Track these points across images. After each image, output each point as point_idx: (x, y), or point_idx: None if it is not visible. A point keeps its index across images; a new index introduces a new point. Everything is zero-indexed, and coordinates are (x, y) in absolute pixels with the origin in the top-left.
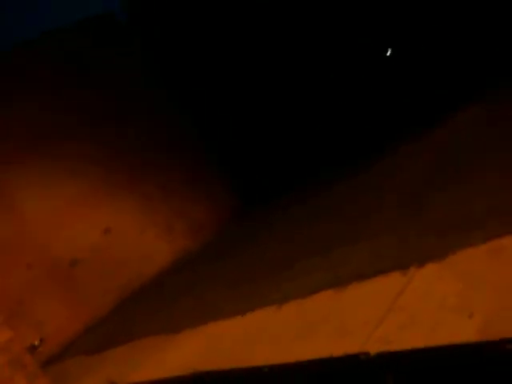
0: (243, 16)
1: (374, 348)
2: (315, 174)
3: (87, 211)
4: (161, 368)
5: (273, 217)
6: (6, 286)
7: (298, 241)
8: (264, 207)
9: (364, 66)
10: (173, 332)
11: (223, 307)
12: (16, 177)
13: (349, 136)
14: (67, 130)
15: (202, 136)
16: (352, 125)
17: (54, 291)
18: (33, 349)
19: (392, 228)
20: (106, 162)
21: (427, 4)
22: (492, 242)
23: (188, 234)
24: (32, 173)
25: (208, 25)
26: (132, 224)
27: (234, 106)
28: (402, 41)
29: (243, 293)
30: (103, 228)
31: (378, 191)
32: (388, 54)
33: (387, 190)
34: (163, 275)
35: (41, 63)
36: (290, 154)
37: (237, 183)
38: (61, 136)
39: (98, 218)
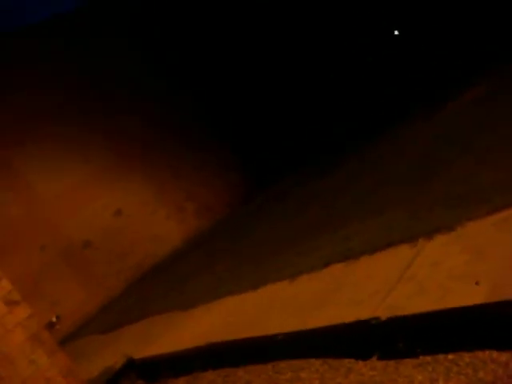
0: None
1: (384, 314)
2: (323, 155)
3: (98, 193)
4: (177, 341)
5: (280, 198)
6: (21, 266)
7: (308, 218)
8: (273, 188)
9: (367, 49)
10: (187, 308)
11: (236, 283)
12: (30, 159)
13: (360, 113)
14: (81, 114)
15: (212, 121)
16: (360, 103)
17: (68, 272)
18: (50, 326)
19: (400, 202)
20: (117, 145)
21: None
22: (498, 214)
23: (198, 215)
24: (46, 155)
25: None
26: (143, 205)
27: (242, 94)
28: (403, 24)
29: (256, 269)
30: (115, 209)
31: (385, 168)
32: (395, 33)
33: (394, 167)
34: (175, 255)
35: (47, 49)
36: (299, 136)
37: (246, 165)
38: (73, 121)
39: (109, 199)
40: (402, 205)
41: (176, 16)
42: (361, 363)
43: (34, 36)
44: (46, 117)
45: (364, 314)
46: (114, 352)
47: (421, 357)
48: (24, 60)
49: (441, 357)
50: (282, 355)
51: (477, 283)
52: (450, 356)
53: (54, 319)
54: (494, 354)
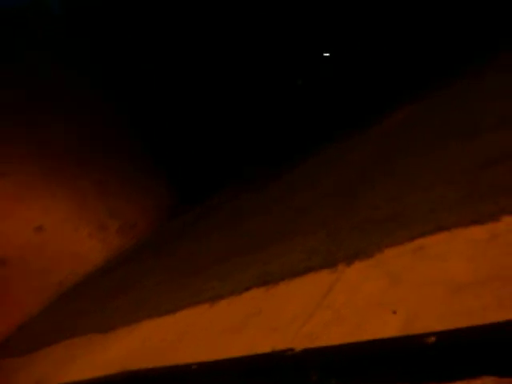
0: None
1: (300, 344)
2: (250, 171)
3: (18, 209)
4: (90, 367)
5: (206, 215)
6: None
7: (233, 238)
8: (198, 206)
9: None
10: (105, 331)
11: (156, 305)
12: None
13: (284, 131)
14: (2, 125)
15: (138, 135)
16: (288, 119)
17: None
18: None
19: (324, 224)
20: (40, 159)
21: None
22: (416, 241)
23: (122, 233)
24: None
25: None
26: (65, 222)
27: (168, 106)
28: (333, 45)
29: (176, 290)
30: (35, 226)
31: (314, 187)
32: (325, 55)
33: (324, 186)
34: (96, 274)
35: None
36: (223, 153)
37: (171, 182)
38: None
39: (30, 215)
40: (324, 227)
41: (107, 22)
42: None
43: None
44: None
45: (281, 342)
46: (27, 377)
47: None
48: None
49: None
50: None
51: (394, 312)
52: None
53: None
54: None
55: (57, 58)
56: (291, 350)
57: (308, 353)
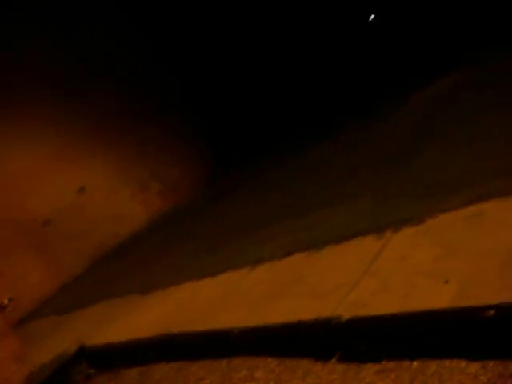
0: None
1: (347, 312)
2: (291, 138)
3: (61, 171)
4: (132, 328)
5: (248, 179)
6: None
7: (274, 203)
8: (239, 170)
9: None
10: (145, 292)
11: (195, 268)
12: None
13: (326, 100)
14: (41, 91)
15: (178, 99)
16: (329, 88)
17: (27, 250)
18: (2, 308)
19: (370, 190)
20: (81, 123)
21: None
22: (470, 207)
23: (162, 195)
24: (6, 129)
25: None
26: (107, 184)
27: (210, 71)
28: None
29: (217, 254)
30: (77, 188)
31: (354, 155)
32: (370, 19)
33: (364, 154)
34: (137, 235)
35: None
36: (265, 118)
37: (212, 148)
38: (34, 97)
39: (72, 177)
40: (371, 193)
41: None
42: (319, 365)
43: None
44: (20, 90)
45: (325, 310)
46: (68, 336)
47: (384, 362)
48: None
49: (405, 364)
50: (237, 351)
51: (446, 282)
52: (415, 363)
53: (5, 301)
54: (463, 363)
55: (108, 32)
56: (338, 317)
57: (356, 322)
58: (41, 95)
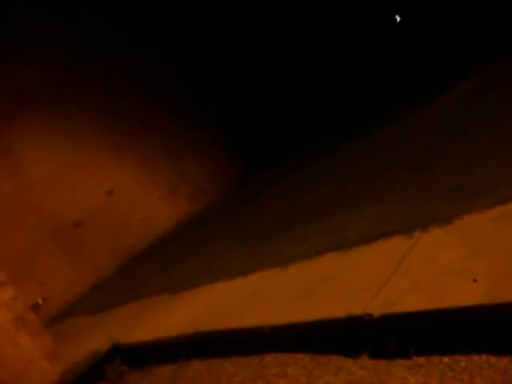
0: None
1: (377, 310)
2: (318, 140)
3: (91, 172)
4: (164, 327)
5: (276, 181)
6: (10, 245)
7: (303, 205)
8: (268, 172)
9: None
10: (176, 292)
11: (227, 269)
12: (23, 136)
13: (353, 102)
14: (70, 91)
15: (207, 101)
16: (356, 92)
17: (58, 252)
18: (36, 307)
19: (396, 192)
20: (109, 124)
21: None
22: (498, 208)
23: (191, 198)
24: (39, 132)
25: None
26: (135, 186)
27: (239, 72)
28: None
29: (247, 254)
30: (107, 189)
31: (382, 156)
32: (397, 19)
33: (391, 155)
34: (166, 237)
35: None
36: (292, 120)
37: (240, 150)
38: (64, 98)
39: (101, 179)
40: (399, 194)
41: None
42: (351, 361)
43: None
44: (41, 94)
45: (356, 308)
46: (101, 335)
47: (414, 358)
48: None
49: (435, 359)
50: (269, 348)
51: (474, 280)
52: (445, 359)
53: (39, 301)
54: (492, 358)
55: (127, 34)
56: (369, 315)
57: (387, 319)
58: (68, 100)
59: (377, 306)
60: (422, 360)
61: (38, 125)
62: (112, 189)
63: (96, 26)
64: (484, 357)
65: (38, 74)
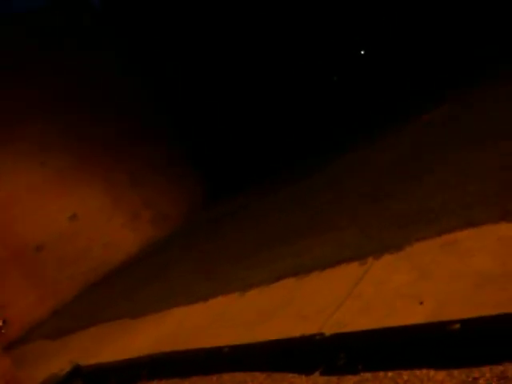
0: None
1: (330, 330)
2: (281, 168)
3: (54, 197)
4: (125, 350)
5: (238, 208)
6: None
7: (263, 231)
8: (228, 201)
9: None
10: (137, 316)
11: (186, 294)
12: None
13: (314, 131)
14: (38, 117)
15: (173, 129)
16: (317, 121)
17: (20, 275)
18: None
19: (355, 219)
20: (77, 149)
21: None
22: (445, 236)
23: (155, 223)
24: (2, 156)
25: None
26: (99, 211)
27: (206, 99)
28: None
29: (207, 280)
30: (70, 214)
31: (341, 185)
32: (362, 52)
33: (350, 185)
34: (129, 262)
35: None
36: (255, 149)
37: (203, 177)
38: (27, 122)
39: (65, 203)
40: (355, 223)
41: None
42: (304, 378)
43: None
44: (2, 118)
45: (310, 329)
46: (61, 358)
47: (361, 373)
48: None
49: (381, 374)
50: (227, 367)
51: (421, 303)
52: (390, 373)
53: (0, 323)
54: (431, 372)
55: (97, 58)
56: (321, 334)
57: (337, 338)
58: (32, 123)
59: (330, 327)
60: (368, 375)
61: (2, 149)
62: (75, 213)
63: (69, 52)
64: (424, 371)
65: (5, 99)
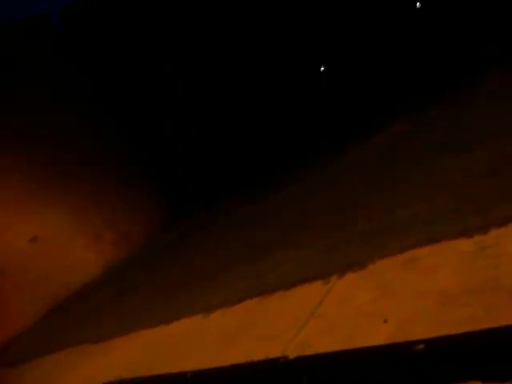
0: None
1: (294, 352)
2: (245, 186)
3: (14, 219)
4: (86, 376)
5: (201, 228)
6: None
7: (227, 251)
8: (192, 219)
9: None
10: (98, 342)
11: (149, 317)
12: None
13: (281, 147)
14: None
15: (135, 149)
16: (286, 134)
17: None
18: None
19: (319, 237)
20: (34, 170)
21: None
22: (408, 253)
23: (116, 244)
24: None
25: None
26: (60, 233)
27: (166, 119)
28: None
29: (169, 302)
30: (31, 236)
31: (310, 201)
32: (321, 69)
33: (314, 202)
34: (91, 285)
35: None
36: (221, 165)
37: (166, 195)
38: None
39: (25, 226)
40: (319, 240)
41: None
42: None
43: None
44: None
45: (274, 351)
46: None
47: None
48: None
49: None
50: None
51: (385, 321)
52: None
53: None
54: None
55: (56, 82)
56: (285, 357)
57: (300, 360)
58: None
59: (294, 349)
60: None
61: None
62: (36, 235)
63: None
64: None
65: None
